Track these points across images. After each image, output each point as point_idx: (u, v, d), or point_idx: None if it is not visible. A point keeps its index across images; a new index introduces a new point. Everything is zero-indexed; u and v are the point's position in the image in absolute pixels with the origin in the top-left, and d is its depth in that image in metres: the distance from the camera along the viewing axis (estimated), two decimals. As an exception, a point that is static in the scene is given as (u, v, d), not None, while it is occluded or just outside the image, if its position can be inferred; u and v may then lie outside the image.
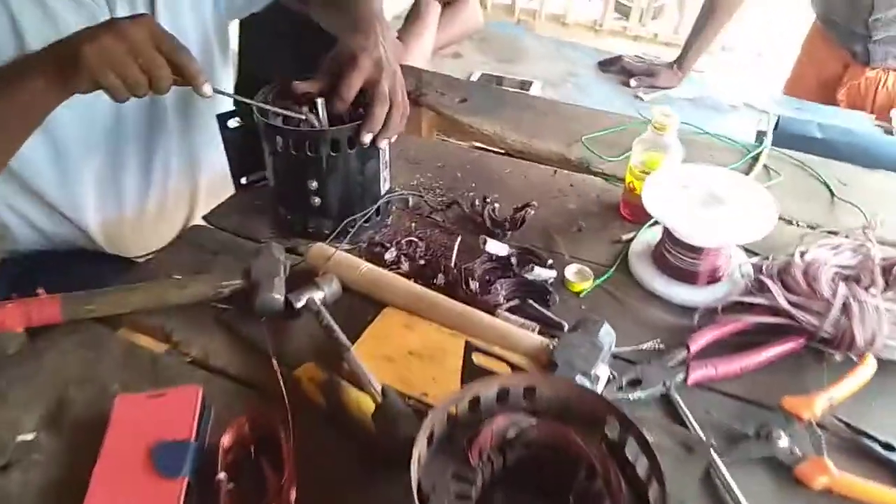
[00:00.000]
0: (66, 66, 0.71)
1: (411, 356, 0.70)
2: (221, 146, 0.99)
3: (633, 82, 1.77)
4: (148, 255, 1.13)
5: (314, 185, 0.87)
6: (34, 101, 0.76)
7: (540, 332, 0.75)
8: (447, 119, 1.23)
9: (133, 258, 1.13)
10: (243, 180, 0.99)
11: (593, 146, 1.13)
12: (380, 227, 0.94)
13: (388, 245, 0.89)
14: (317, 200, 0.88)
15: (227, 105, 1.01)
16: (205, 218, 0.97)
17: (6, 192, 1.02)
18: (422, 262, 0.87)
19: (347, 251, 0.88)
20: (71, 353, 0.74)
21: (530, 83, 1.69)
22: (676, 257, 0.84)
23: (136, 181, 1.07)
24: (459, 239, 0.89)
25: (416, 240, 0.90)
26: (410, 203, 0.99)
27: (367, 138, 0.84)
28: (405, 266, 0.85)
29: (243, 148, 0.93)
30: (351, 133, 0.84)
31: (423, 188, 1.03)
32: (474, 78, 1.70)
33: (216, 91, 0.79)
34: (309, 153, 0.84)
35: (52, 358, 0.74)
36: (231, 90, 1.20)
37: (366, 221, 0.92)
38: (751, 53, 3.54)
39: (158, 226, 1.13)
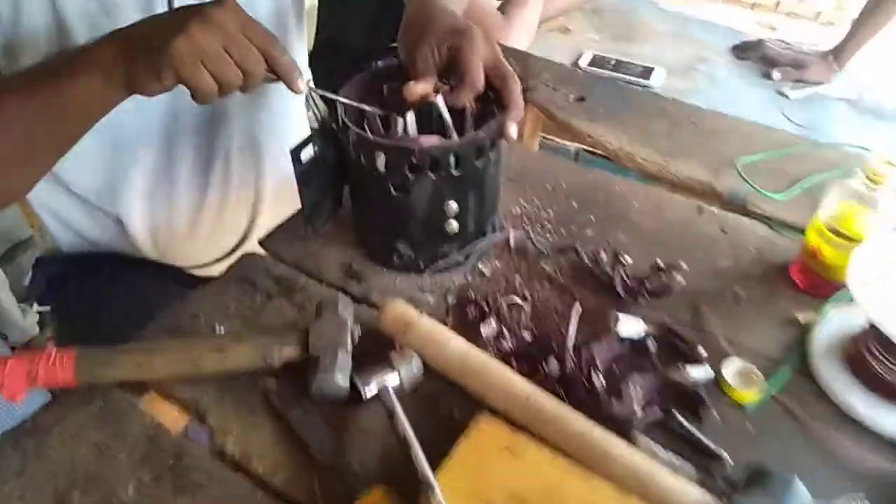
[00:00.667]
0: (145, 63, 0.58)
1: (516, 503, 0.51)
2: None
3: (775, 74, 1.47)
4: (203, 265, 0.98)
5: (453, 206, 0.68)
6: (87, 100, 0.62)
7: (695, 470, 0.54)
8: (559, 123, 1.00)
9: (185, 269, 0.98)
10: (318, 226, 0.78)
11: (750, 175, 0.88)
12: (474, 269, 0.74)
13: (485, 307, 0.69)
14: (454, 225, 0.70)
15: (300, 130, 0.83)
16: (262, 244, 0.79)
17: (40, 189, 0.88)
18: (527, 335, 0.66)
19: (429, 310, 0.69)
20: (82, 432, 0.59)
21: (651, 70, 1.42)
22: (886, 367, 0.60)
23: (192, 183, 0.91)
24: (579, 309, 0.67)
25: (520, 302, 0.69)
26: (512, 241, 0.78)
27: (514, 130, 0.67)
28: (508, 343, 0.65)
29: (323, 185, 0.74)
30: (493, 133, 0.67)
31: (527, 219, 0.82)
32: (585, 59, 1.44)
33: (313, 91, 0.66)
34: (453, 170, 0.65)
35: (58, 439, 0.58)
36: (306, 61, 1.00)
37: (455, 263, 0.73)
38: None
39: (215, 235, 0.97)
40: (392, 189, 0.68)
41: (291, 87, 0.63)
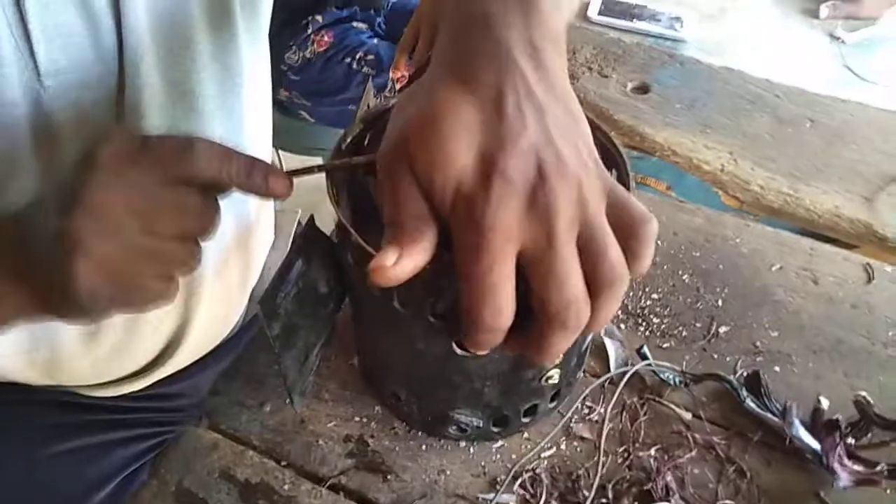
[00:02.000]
0: (59, 306, 0.35)
1: None
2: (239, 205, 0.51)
3: (823, 11, 1.19)
4: (105, 384, 0.66)
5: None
6: None
7: None
8: (624, 131, 0.69)
9: (79, 391, 0.65)
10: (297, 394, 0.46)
11: (914, 202, 0.61)
12: (569, 430, 0.46)
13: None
14: (555, 377, 0.42)
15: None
16: (208, 417, 0.48)
17: None
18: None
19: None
20: None
21: (678, 19, 1.12)
22: None
23: None
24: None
25: (671, 506, 0.41)
26: (612, 360, 0.49)
27: None
28: None
29: (312, 331, 0.41)
30: None
31: (624, 317, 0.53)
32: (594, 7, 1.11)
33: (294, 175, 0.34)
34: None
35: None
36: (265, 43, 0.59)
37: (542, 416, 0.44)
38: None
39: (129, 342, 0.62)
40: (456, 346, 0.37)
41: (267, 197, 0.34)
